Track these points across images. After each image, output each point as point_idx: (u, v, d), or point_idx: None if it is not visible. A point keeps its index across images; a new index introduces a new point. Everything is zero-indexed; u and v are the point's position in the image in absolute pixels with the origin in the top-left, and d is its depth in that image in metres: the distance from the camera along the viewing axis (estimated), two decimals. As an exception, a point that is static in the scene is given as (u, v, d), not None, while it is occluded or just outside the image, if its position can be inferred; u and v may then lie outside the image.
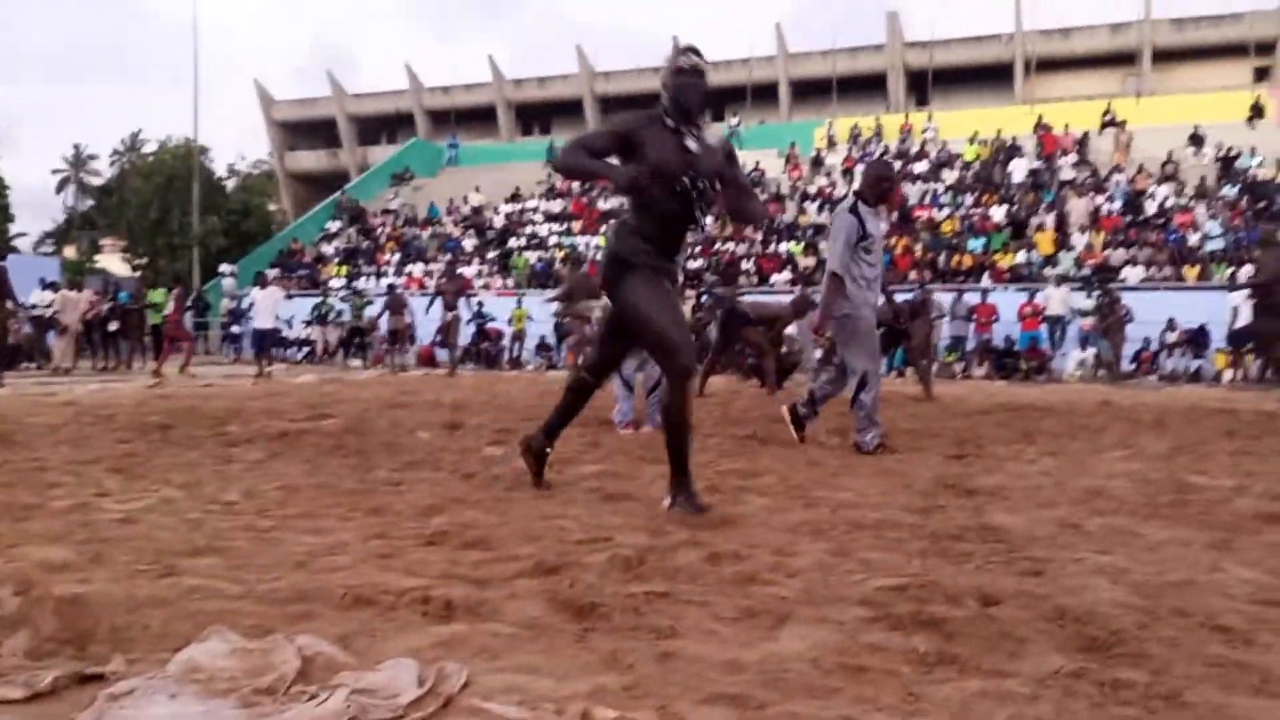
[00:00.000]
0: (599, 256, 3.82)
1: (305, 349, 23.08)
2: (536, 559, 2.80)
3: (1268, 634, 2.24)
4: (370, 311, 21.46)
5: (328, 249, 30.10)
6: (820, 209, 24.96)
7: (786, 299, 12.36)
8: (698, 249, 23.90)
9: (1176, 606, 2.43)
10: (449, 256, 26.30)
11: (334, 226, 31.63)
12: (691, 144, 3.70)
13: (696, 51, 3.73)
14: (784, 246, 23.60)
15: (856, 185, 6.17)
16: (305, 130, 45.50)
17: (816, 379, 6.38)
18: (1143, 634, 2.20)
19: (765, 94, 37.77)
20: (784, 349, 11.83)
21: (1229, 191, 21.92)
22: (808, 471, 4.78)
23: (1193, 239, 20.33)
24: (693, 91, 3.68)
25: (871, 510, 3.72)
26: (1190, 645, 2.15)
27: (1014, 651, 2.12)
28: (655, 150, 3.64)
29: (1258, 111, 26.17)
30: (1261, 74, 31.43)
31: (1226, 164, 23.09)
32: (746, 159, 29.25)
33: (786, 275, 21.98)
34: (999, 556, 2.96)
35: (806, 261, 22.54)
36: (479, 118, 42.34)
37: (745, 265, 22.94)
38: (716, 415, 7.94)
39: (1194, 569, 2.81)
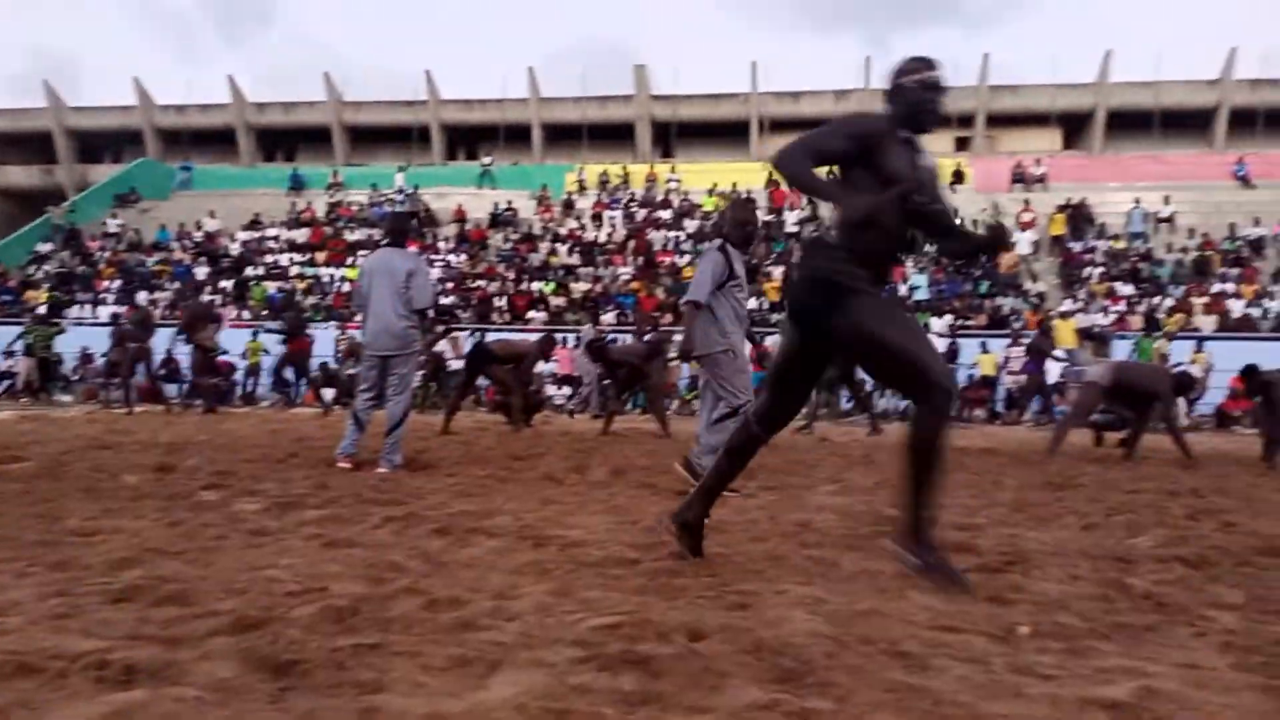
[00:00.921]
0: (799, 274, 3.45)
1: (5, 382, 20.62)
2: (238, 614, 2.62)
3: (943, 658, 2.45)
4: (62, 342, 19.33)
5: (37, 273, 27.21)
6: (571, 250, 25.41)
7: (534, 337, 12.45)
8: (449, 285, 23.64)
9: (863, 634, 2.61)
10: (177, 284, 24.47)
11: (45, 248, 28.67)
12: (924, 160, 3.40)
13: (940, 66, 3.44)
14: (536, 285, 23.79)
15: (723, 227, 6.23)
16: (15, 143, 41.07)
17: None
18: (830, 663, 2.35)
19: (518, 135, 38.12)
20: (532, 387, 11.88)
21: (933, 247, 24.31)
22: (542, 511, 4.79)
23: (903, 289, 22.36)
24: (936, 108, 3.38)
25: (598, 548, 3.77)
26: (872, 672, 2.31)
27: (715, 686, 2.20)
28: (894, 162, 3.28)
29: (959, 177, 29.30)
30: (962, 143, 35.24)
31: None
32: (499, 198, 29.36)
33: (540, 314, 22.16)
34: (711, 591, 3.07)
35: (558, 301, 22.83)
36: (217, 140, 39.90)
37: (498, 303, 22.90)
38: (459, 454, 7.83)
39: (882, 597, 3.04)
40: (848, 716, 2.00)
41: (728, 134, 37.36)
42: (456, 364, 16.22)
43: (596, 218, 27.43)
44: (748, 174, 29.11)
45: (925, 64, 3.39)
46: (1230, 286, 21.74)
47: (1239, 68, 32.67)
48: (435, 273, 24.05)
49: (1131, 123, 33.46)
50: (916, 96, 3.36)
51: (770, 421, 3.54)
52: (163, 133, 40.33)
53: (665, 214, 27.30)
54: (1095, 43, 63.18)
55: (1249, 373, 8.92)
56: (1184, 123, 33.14)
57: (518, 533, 4.15)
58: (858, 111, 3.68)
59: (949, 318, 20.65)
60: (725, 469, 3.62)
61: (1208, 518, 4.89)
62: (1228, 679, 2.32)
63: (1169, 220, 25.22)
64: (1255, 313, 20.56)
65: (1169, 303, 21.25)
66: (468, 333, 17.78)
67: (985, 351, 18.55)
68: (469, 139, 39.22)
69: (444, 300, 22.65)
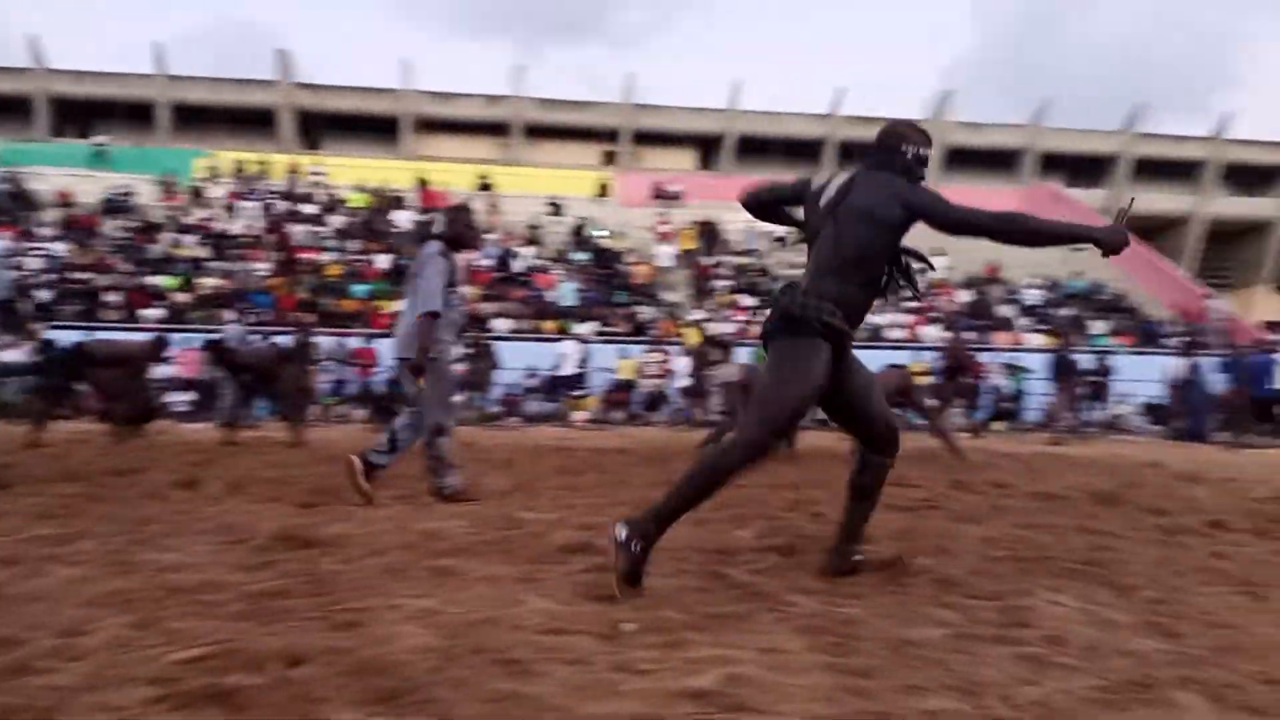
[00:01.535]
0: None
1: None
2: None
3: (549, 662, 2.46)
4: None
5: None
6: (200, 242, 23.39)
7: (144, 337, 11.26)
8: (50, 277, 20.86)
9: (474, 644, 2.57)
10: None
11: None
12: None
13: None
14: (156, 279, 21.61)
15: (438, 229, 5.88)
16: None
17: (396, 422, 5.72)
18: (434, 678, 2.29)
19: (140, 114, 34.55)
20: (142, 393, 10.73)
21: (580, 257, 25.16)
22: (137, 533, 4.30)
23: (550, 296, 22.90)
24: (923, 178, 3.56)
25: (196, 571, 3.44)
26: (477, 683, 2.27)
27: (307, 714, 2.06)
28: None
29: (603, 190, 30.60)
30: (609, 157, 36.82)
31: (578, 233, 26.52)
32: (117, 181, 26.42)
33: (159, 311, 20.14)
34: (318, 612, 2.90)
35: (182, 297, 20.90)
36: None
37: (112, 298, 20.52)
38: (48, 469, 6.87)
39: (498, 605, 3.02)
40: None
41: (377, 130, 36.31)
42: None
43: (229, 208, 25.48)
44: (398, 172, 28.47)
45: (925, 138, 3.58)
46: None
47: (847, 104, 37.05)
48: (36, 263, 21.14)
49: (757, 148, 36.76)
50: (915, 166, 3.53)
51: (885, 445, 3.68)
52: None
53: (309, 208, 25.94)
54: (727, 71, 68.80)
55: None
56: (801, 151, 36.93)
57: (102, 559, 3.68)
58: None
59: (592, 324, 21.43)
60: (867, 507, 3.74)
61: (802, 508, 5.40)
62: (802, 660, 2.54)
63: (782, 240, 27.95)
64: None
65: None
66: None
67: (625, 357, 19.44)
68: (81, 115, 34.91)
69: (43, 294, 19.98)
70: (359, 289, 22.09)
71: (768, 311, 3.56)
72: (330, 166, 29.16)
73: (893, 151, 3.53)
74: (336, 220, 25.53)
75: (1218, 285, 34.24)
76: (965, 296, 25.15)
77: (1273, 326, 23.80)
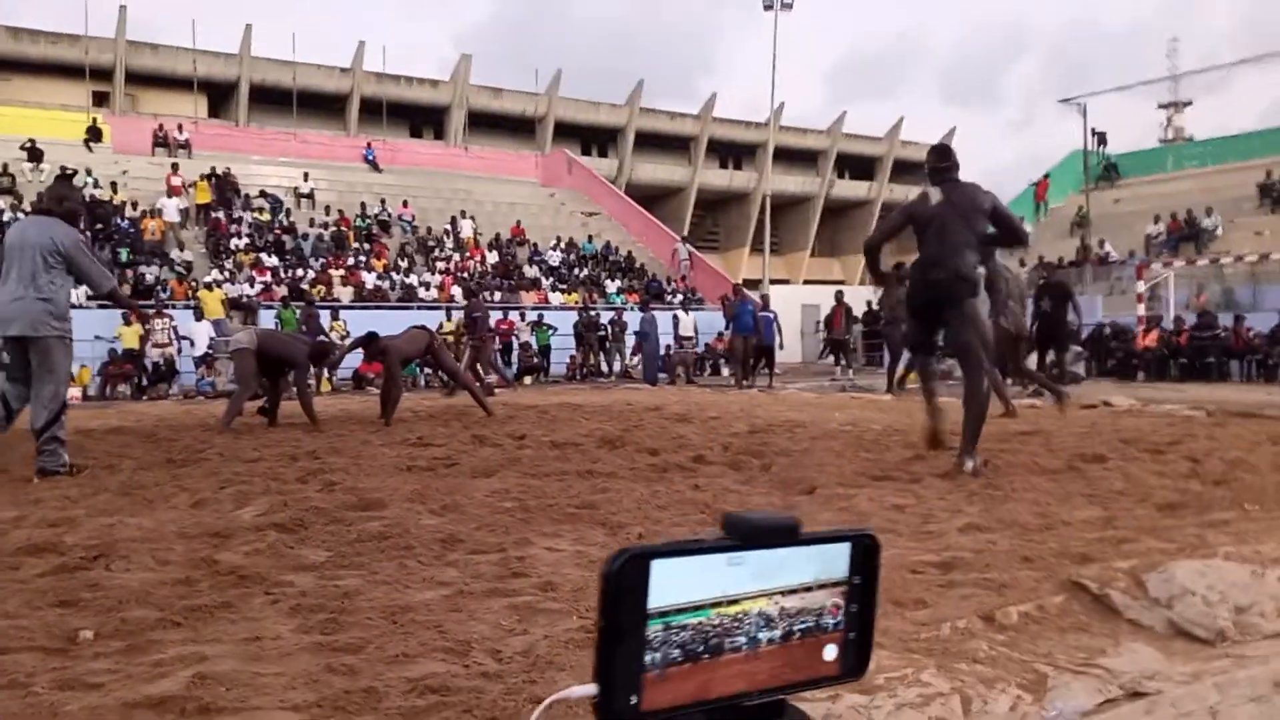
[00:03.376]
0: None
1: None
2: None
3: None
4: None
5: None
6: None
7: None
8: None
9: None
10: None
11: None
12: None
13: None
14: None
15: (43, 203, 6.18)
16: None
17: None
18: None
19: None
20: None
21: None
22: None
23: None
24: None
25: None
26: None
27: None
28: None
29: (95, 135, 26.88)
30: (100, 98, 32.30)
31: (64, 179, 23.06)
32: None
33: None
34: None
35: None
36: None
37: None
38: None
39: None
40: None
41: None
42: None
43: None
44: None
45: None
46: (364, 260, 23.91)
47: (368, 60, 35.97)
48: None
49: (273, 98, 34.46)
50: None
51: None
52: None
53: None
54: (235, 13, 63.59)
55: (369, 340, 9.74)
56: (320, 104, 35.27)
57: None
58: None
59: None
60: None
61: (315, 479, 5.16)
62: (288, 644, 2.39)
63: (309, 196, 26.67)
64: (385, 285, 22.95)
65: (311, 274, 22.48)
66: None
67: (128, 324, 17.30)
68: None
69: None
70: None
71: (920, 284, 5.29)
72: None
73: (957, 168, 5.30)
74: None
75: (707, 248, 38.91)
76: (493, 258, 25.91)
77: (750, 284, 27.46)
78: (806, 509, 4.14)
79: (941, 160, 5.27)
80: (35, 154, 24.25)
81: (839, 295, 18.53)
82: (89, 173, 23.79)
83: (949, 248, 5.00)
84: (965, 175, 5.29)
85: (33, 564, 3.29)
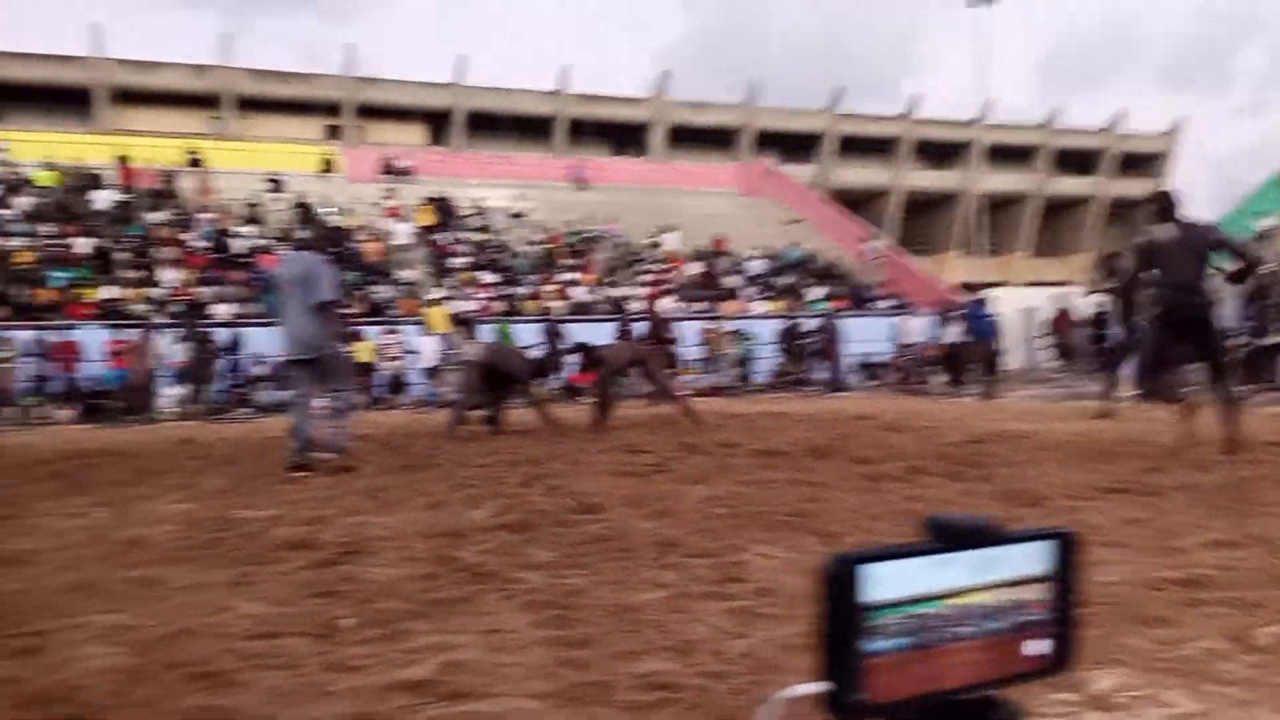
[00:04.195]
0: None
1: None
2: None
3: (255, 670, 2.31)
4: None
5: None
6: None
7: None
8: None
9: (169, 659, 2.38)
10: None
11: None
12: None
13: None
14: None
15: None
16: None
17: None
18: (117, 700, 2.09)
19: None
20: None
21: (306, 235, 23.91)
22: None
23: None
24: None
25: None
26: (167, 701, 2.10)
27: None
28: None
29: (329, 166, 29.21)
30: (333, 132, 35.11)
31: (303, 210, 25.17)
32: None
33: None
34: (-13, 640, 2.58)
35: None
36: None
37: None
38: None
39: (201, 613, 2.81)
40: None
41: (67, 101, 32.74)
42: None
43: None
44: (93, 147, 25.84)
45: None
46: (573, 276, 24.78)
47: (573, 83, 37.35)
48: None
49: (487, 124, 36.36)
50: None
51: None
52: None
53: (-12, 189, 22.99)
54: (450, 47, 67.39)
55: (582, 349, 10.11)
56: (530, 127, 36.90)
57: None
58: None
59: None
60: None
61: (537, 483, 5.42)
62: (524, 637, 2.54)
63: (521, 215, 27.90)
64: (593, 298, 23.68)
65: (524, 290, 23.51)
66: None
67: (360, 340, 18.68)
68: None
69: None
70: (57, 276, 19.91)
71: (1164, 305, 5.91)
72: (13, 141, 25.98)
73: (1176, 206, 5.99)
74: (23, 201, 22.82)
75: (917, 252, 37.76)
76: (695, 268, 26.19)
77: (968, 288, 26.41)
78: (1031, 522, 3.97)
79: (1166, 204, 6.09)
80: (276, 185, 26.59)
81: (1064, 298, 17.62)
82: (329, 203, 25.82)
83: (1195, 273, 5.86)
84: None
85: (293, 558, 3.63)
